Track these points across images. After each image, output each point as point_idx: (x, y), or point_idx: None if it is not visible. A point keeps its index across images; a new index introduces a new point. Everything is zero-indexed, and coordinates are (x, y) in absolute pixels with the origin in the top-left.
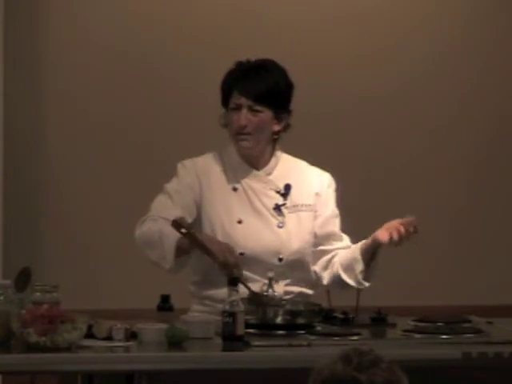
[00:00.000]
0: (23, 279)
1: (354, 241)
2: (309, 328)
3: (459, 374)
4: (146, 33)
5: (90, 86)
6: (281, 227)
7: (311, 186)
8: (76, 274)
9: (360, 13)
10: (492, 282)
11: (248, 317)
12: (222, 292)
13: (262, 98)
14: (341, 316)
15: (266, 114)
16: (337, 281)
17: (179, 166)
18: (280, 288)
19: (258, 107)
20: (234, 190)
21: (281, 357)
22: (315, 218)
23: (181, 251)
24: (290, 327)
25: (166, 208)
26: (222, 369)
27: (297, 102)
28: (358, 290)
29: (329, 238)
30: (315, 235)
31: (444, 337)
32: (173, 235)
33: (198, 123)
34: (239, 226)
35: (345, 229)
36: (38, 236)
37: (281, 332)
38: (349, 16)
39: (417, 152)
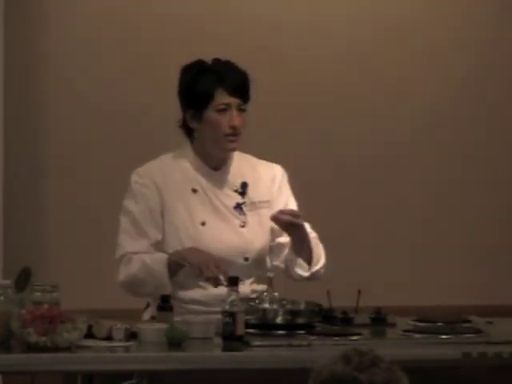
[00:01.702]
0: (23, 279)
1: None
2: (309, 328)
3: (459, 374)
4: (148, 30)
5: (91, 83)
6: (243, 226)
7: (265, 182)
8: (76, 274)
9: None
10: (492, 281)
11: (248, 317)
12: (190, 293)
13: (247, 97)
14: (341, 316)
15: (245, 113)
16: (289, 275)
17: (134, 177)
18: (246, 287)
19: (243, 106)
20: (194, 191)
21: (281, 357)
22: (271, 212)
23: (172, 273)
24: (290, 327)
25: (133, 241)
26: (221, 369)
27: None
28: (359, 290)
29: None
30: (272, 229)
31: (444, 337)
32: (159, 264)
33: None
34: (203, 228)
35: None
36: (38, 236)
37: (281, 332)
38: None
39: (421, 156)
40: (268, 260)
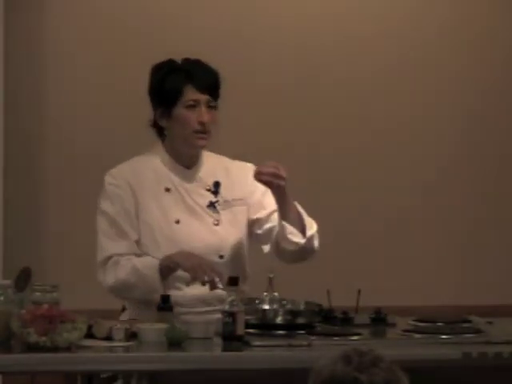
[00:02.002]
0: (23, 279)
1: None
2: (309, 328)
3: (459, 374)
4: (146, 21)
5: (92, 84)
6: (217, 225)
7: (238, 181)
8: (76, 274)
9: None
10: (492, 282)
11: (248, 317)
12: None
13: (217, 94)
14: (341, 316)
15: (216, 110)
16: (282, 252)
17: (108, 178)
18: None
19: (213, 103)
20: (167, 190)
21: (281, 357)
22: (250, 208)
23: (163, 277)
24: (290, 327)
25: (115, 242)
26: (221, 369)
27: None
28: (359, 290)
29: (270, 216)
30: (257, 220)
31: (444, 337)
32: (150, 269)
33: None
34: (177, 226)
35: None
36: (38, 236)
37: (281, 332)
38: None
39: (422, 156)
40: (246, 259)
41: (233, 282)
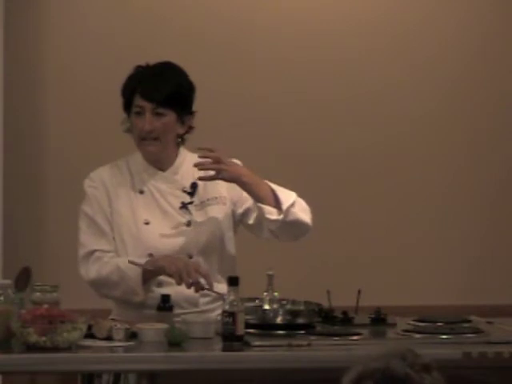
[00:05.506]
0: (23, 279)
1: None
2: (309, 328)
3: (459, 374)
4: (145, 24)
5: (92, 84)
6: (188, 225)
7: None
8: (76, 274)
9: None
10: (492, 281)
11: (248, 317)
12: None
13: (164, 101)
14: (341, 316)
15: (170, 116)
16: (272, 233)
17: (87, 182)
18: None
19: (161, 110)
20: (141, 192)
21: (281, 357)
22: (235, 204)
23: (145, 280)
24: (290, 327)
25: (96, 239)
26: (221, 369)
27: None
28: (359, 290)
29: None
30: (245, 212)
31: (444, 337)
32: (133, 270)
33: (207, 120)
34: (146, 226)
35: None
36: (37, 236)
37: (281, 332)
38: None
39: (421, 156)
40: (225, 257)
41: (233, 281)
